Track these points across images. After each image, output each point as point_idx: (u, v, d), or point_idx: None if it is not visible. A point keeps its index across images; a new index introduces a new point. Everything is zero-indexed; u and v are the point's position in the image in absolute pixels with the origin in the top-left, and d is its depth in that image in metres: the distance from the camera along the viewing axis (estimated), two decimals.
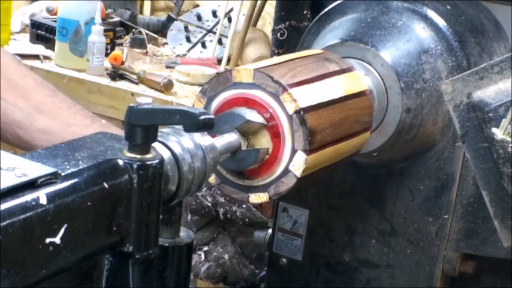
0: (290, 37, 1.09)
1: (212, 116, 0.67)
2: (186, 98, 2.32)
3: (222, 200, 1.15)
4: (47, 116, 1.11)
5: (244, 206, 1.16)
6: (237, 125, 0.79)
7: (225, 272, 1.16)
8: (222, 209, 1.14)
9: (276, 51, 1.10)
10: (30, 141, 1.10)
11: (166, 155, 0.70)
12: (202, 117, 0.66)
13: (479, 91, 0.84)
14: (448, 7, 1.00)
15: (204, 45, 2.77)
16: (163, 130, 0.73)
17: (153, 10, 3.10)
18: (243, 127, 0.79)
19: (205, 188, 1.13)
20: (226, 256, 1.16)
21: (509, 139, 0.81)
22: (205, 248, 1.14)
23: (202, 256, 1.14)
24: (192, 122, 0.66)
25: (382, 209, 1.04)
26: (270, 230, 1.16)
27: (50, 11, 2.76)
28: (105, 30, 2.44)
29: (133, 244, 0.68)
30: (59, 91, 1.16)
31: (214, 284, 1.16)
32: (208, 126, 0.66)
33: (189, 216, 1.13)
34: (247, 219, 1.17)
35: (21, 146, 1.11)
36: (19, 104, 1.11)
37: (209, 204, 1.14)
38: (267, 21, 2.71)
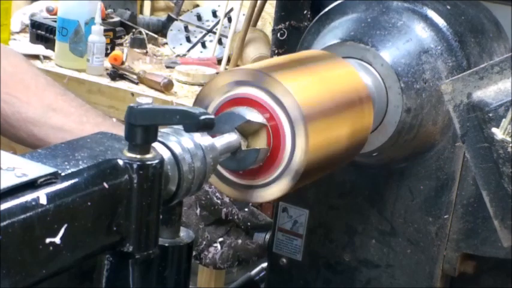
0: (290, 37, 1.08)
1: (212, 116, 0.67)
2: (186, 98, 2.32)
3: (226, 200, 1.14)
4: (60, 114, 1.11)
5: (246, 209, 1.16)
6: (237, 125, 0.79)
7: (237, 252, 1.15)
8: (225, 209, 1.14)
9: (276, 51, 1.10)
10: (45, 138, 1.10)
11: (166, 155, 0.70)
12: (202, 117, 0.66)
13: (479, 91, 0.84)
14: (448, 7, 1.00)
15: (204, 45, 2.77)
16: (163, 130, 0.73)
17: (153, 10, 3.10)
18: (243, 127, 0.79)
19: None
20: (239, 241, 1.16)
21: (509, 139, 0.81)
22: (221, 239, 1.14)
23: (219, 247, 1.14)
24: (192, 122, 0.66)
25: (382, 209, 1.04)
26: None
27: (50, 11, 2.75)
28: (105, 30, 2.44)
29: (133, 244, 0.68)
30: (69, 91, 1.16)
31: (228, 268, 1.16)
32: (208, 126, 0.66)
33: (198, 210, 1.12)
34: (249, 223, 1.16)
35: (36, 145, 1.11)
36: (33, 102, 1.12)
37: (218, 201, 1.13)
38: (267, 21, 2.70)
